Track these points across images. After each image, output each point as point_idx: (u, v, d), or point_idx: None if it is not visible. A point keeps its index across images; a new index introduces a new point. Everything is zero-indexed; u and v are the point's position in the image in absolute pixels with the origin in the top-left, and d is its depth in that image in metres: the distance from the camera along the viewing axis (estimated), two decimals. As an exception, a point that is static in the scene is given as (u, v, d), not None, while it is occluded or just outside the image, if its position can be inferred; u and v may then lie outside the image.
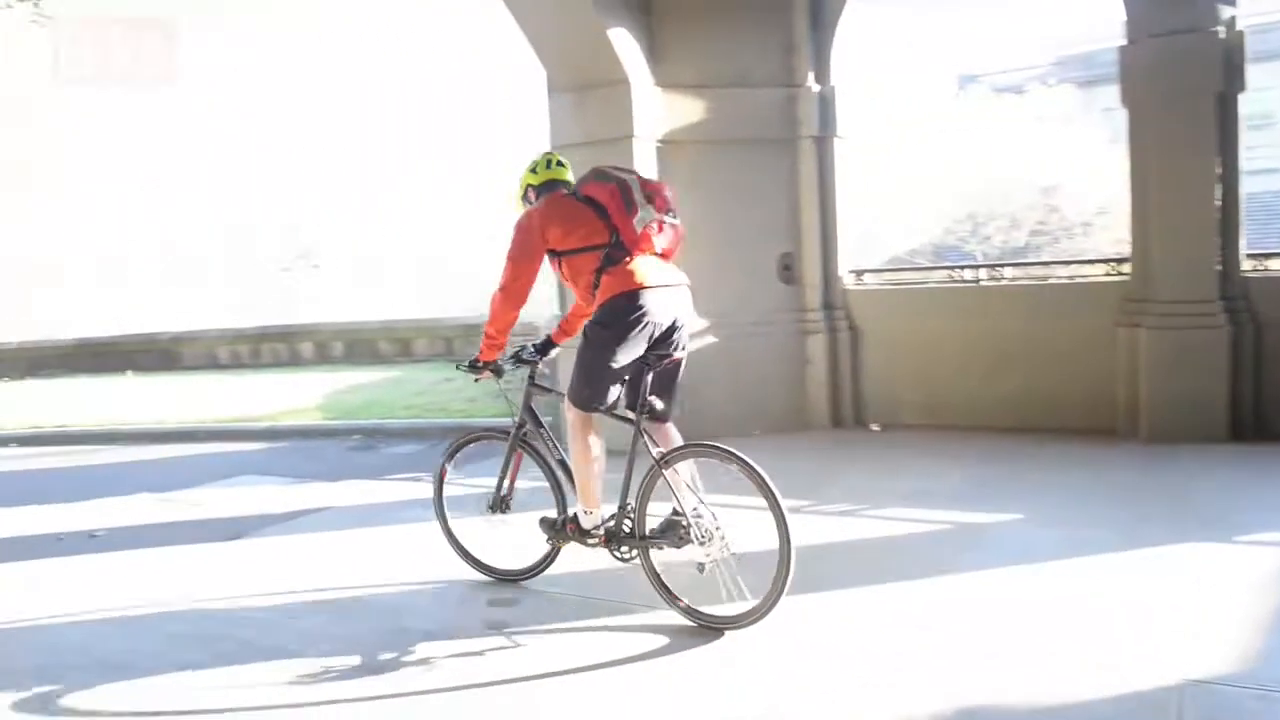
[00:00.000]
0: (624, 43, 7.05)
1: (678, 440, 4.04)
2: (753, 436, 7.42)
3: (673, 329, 3.94)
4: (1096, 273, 7.69)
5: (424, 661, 3.67)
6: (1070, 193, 20.16)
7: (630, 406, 3.98)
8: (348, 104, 26.34)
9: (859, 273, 7.98)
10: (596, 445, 3.99)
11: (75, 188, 23.92)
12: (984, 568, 4.40)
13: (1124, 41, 6.82)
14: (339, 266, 17.13)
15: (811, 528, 5.15)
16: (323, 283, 17.09)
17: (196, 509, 6.36)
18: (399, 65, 26.74)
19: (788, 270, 7.72)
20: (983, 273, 7.71)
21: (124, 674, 3.67)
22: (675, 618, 3.92)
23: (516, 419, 4.35)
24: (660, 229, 3.97)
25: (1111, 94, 6.96)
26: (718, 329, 7.52)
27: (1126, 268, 7.05)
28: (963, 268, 7.90)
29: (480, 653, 3.73)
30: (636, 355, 3.88)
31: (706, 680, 3.43)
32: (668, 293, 3.90)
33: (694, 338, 7.31)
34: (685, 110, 7.40)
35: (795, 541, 3.69)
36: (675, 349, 3.97)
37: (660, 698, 3.32)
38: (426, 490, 4.88)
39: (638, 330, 3.82)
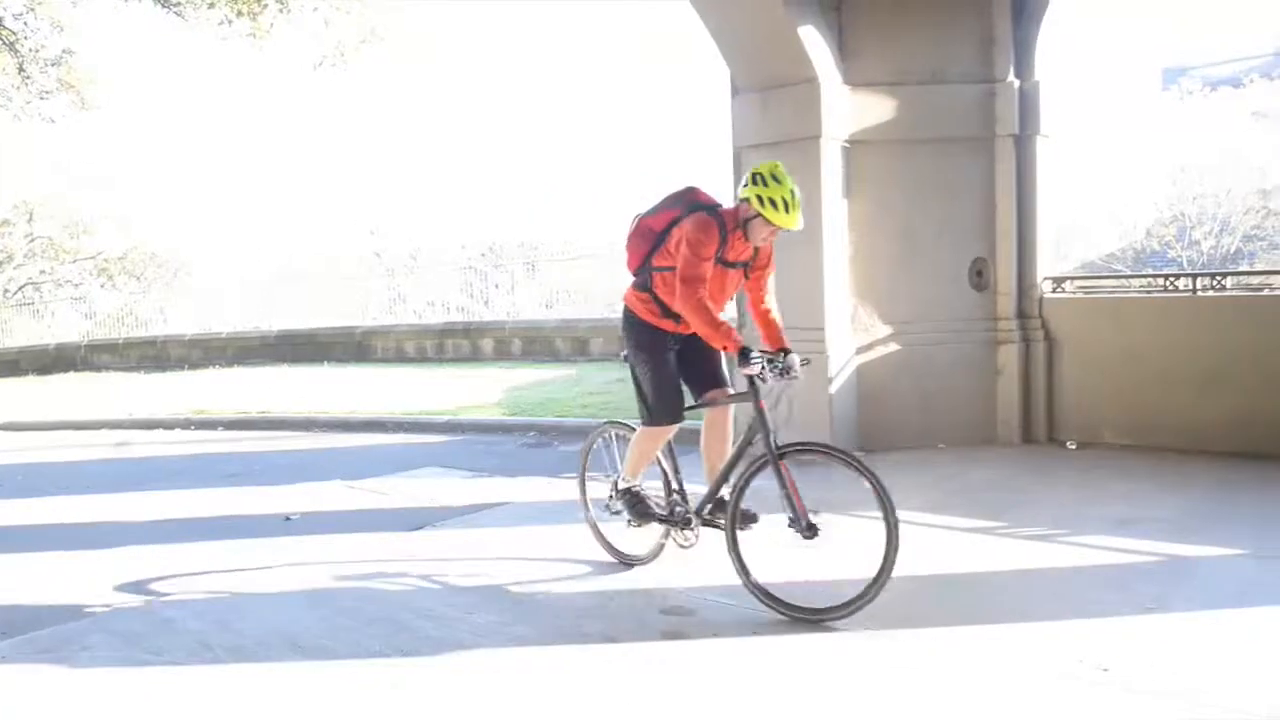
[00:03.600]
0: (813, 39, 6.83)
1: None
2: (937, 449, 7.08)
3: None
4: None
5: (603, 666, 3.63)
6: (1292, 195, 18.40)
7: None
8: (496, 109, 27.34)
9: (1058, 280, 7.46)
10: None
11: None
12: (1192, 608, 3.98)
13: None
14: (514, 267, 17.65)
15: (1001, 552, 4.84)
16: (503, 281, 17.57)
17: (383, 498, 6.60)
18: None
19: (979, 276, 7.31)
20: (1200, 281, 7.03)
21: (311, 657, 3.80)
22: (860, 640, 3.74)
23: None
24: None
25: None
26: (901, 336, 7.21)
27: (1373, 279, 6.29)
28: (1178, 276, 7.23)
29: (658, 661, 3.66)
30: None
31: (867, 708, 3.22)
32: None
33: (877, 345, 7.15)
34: (875, 109, 7.11)
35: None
36: None
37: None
38: (601, 490, 4.87)
39: None
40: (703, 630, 3.93)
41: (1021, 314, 7.31)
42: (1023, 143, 7.25)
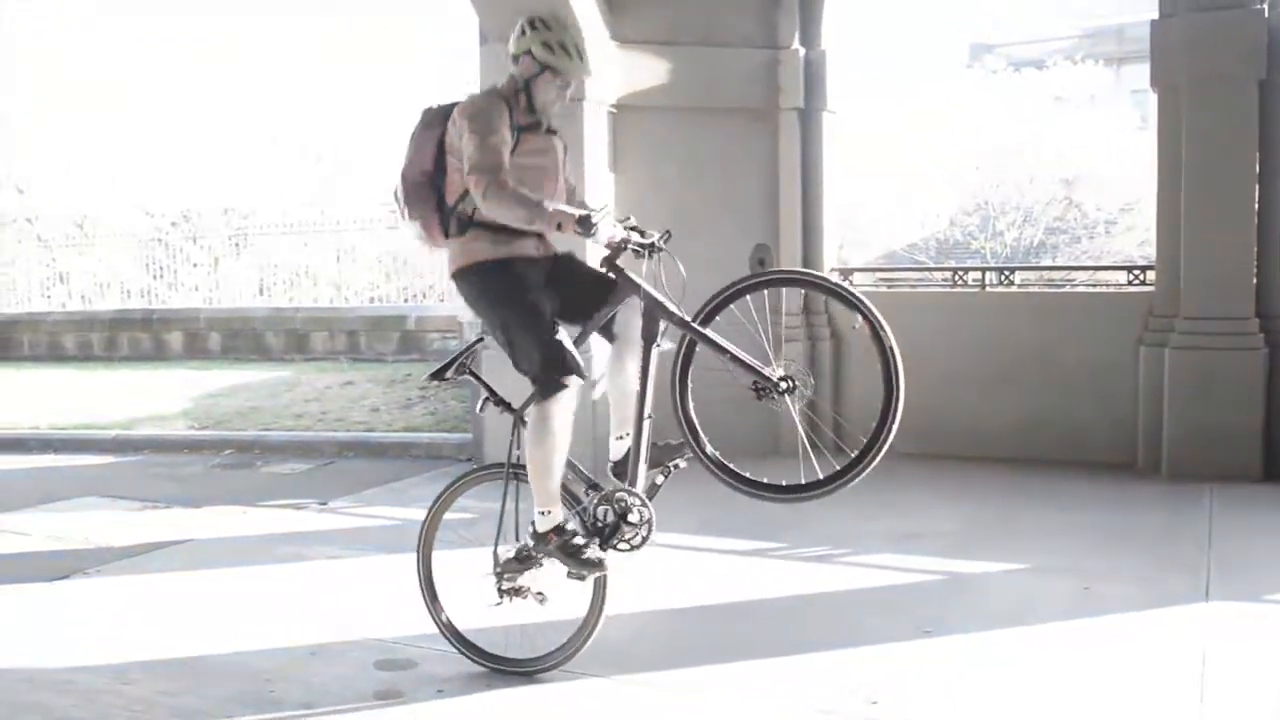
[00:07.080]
0: (574, -15, 6.94)
1: None
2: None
3: None
4: (1118, 280, 7.76)
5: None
6: (1093, 186, 20.46)
7: None
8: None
9: (846, 271, 7.95)
10: None
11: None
12: (970, 629, 4.37)
13: (1156, 15, 6.87)
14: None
15: (779, 577, 5.12)
16: (202, 258, 16.62)
17: (21, 539, 6.15)
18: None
19: (761, 265, 7.66)
20: (991, 276, 7.71)
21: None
22: (607, 689, 3.83)
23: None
24: None
25: (1144, 74, 7.02)
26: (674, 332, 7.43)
27: (1151, 276, 7.11)
28: (967, 270, 7.90)
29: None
30: None
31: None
32: None
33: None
34: (646, 71, 7.32)
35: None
36: None
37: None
38: (311, 522, 4.74)
39: None
40: (425, 688, 3.91)
41: (806, 309, 7.73)
42: (808, 118, 7.67)
